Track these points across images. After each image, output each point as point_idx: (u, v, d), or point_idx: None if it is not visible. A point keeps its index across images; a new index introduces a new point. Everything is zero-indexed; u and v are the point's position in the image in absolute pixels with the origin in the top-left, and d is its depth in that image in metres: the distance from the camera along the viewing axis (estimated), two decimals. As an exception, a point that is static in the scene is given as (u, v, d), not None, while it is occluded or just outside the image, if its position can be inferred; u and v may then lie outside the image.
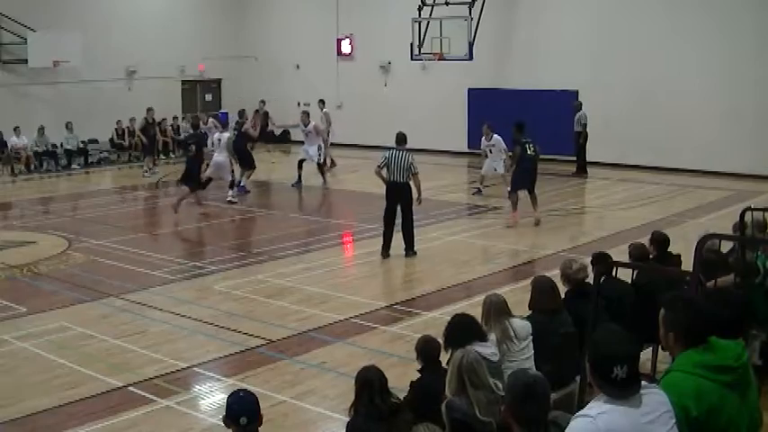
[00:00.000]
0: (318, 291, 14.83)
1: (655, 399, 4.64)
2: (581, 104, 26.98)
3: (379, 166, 16.94)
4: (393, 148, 16.92)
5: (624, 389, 4.52)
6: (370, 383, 6.68)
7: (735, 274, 9.44)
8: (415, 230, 17.33)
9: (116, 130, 31.97)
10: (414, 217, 17.24)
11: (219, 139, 22.78)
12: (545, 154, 25.62)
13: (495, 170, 23.36)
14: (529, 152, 20.01)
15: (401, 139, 17.16)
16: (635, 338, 4.72)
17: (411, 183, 16.86)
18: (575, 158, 27.47)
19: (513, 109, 27.76)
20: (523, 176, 19.95)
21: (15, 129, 29.61)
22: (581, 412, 4.61)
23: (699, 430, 4.91)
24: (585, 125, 26.82)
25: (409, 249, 17.14)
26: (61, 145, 31.19)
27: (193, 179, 21.62)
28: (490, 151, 23.40)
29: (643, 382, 4.66)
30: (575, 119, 27.15)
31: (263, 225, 20.64)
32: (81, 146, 31.46)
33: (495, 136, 23.14)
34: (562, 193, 24.17)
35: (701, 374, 5.02)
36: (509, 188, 20.65)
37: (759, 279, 9.50)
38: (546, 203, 21.48)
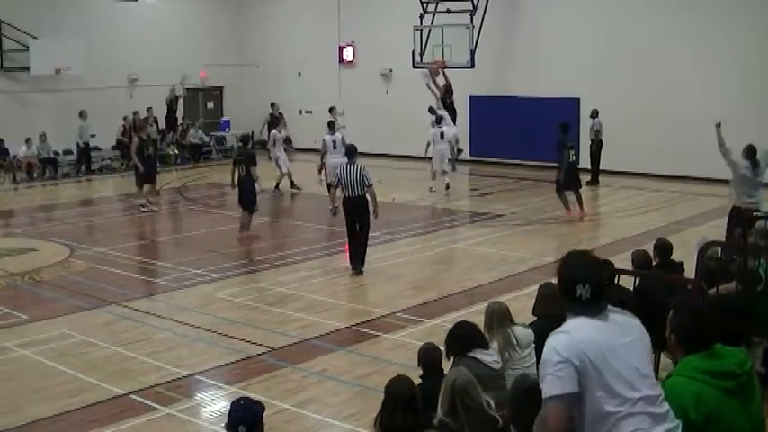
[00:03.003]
0: (320, 298, 14.82)
1: (633, 323, 4.82)
2: (596, 112, 26.65)
3: (333, 186, 16.66)
4: (345, 163, 16.45)
5: (588, 308, 4.69)
6: (396, 397, 6.58)
7: (736, 281, 9.42)
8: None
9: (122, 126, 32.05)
10: (369, 234, 16.66)
11: (334, 141, 23.09)
12: (546, 161, 25.80)
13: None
14: (571, 158, 21.10)
15: (351, 151, 16.59)
16: (603, 263, 4.84)
17: (368, 196, 16.28)
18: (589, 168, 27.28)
19: (514, 116, 27.85)
20: (571, 178, 21.10)
21: (27, 140, 29.62)
22: (556, 330, 4.74)
23: None
24: (598, 132, 26.56)
25: (357, 265, 16.39)
26: (62, 152, 31.23)
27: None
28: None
29: (618, 309, 4.86)
30: (589, 127, 26.94)
31: (264, 233, 20.60)
32: (91, 139, 31.23)
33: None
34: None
35: (702, 380, 5.08)
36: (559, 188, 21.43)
37: (761, 287, 9.49)
38: (548, 211, 21.50)
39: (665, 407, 4.72)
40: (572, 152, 21.24)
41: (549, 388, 4.53)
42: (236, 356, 11.85)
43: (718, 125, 16.27)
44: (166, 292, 15.34)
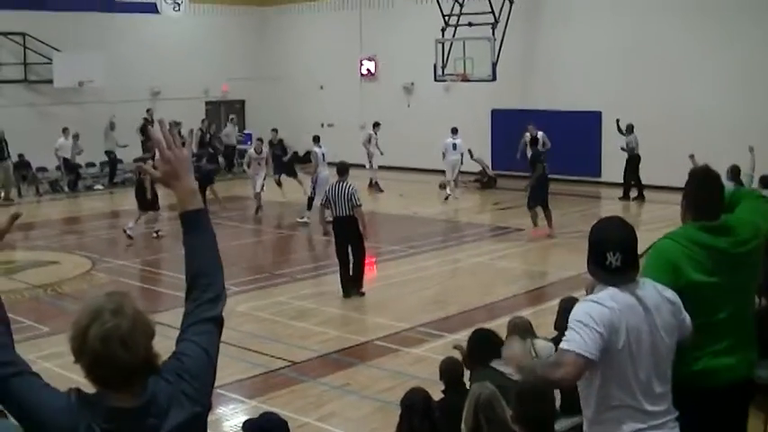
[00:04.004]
0: (341, 312, 14.82)
1: (664, 306, 4.68)
2: (632, 127, 26.10)
3: (322, 205, 16.16)
4: (334, 181, 15.96)
5: (618, 277, 4.59)
6: (411, 409, 6.61)
7: (759, 296, 9.34)
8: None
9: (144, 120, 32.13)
10: (365, 254, 15.90)
11: (323, 154, 23.31)
12: (569, 175, 25.79)
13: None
14: (545, 171, 21.10)
15: (342, 170, 15.84)
16: (632, 228, 4.78)
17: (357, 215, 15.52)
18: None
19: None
20: (544, 194, 20.83)
21: (65, 130, 29.67)
22: (589, 297, 4.66)
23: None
24: (633, 149, 26.08)
25: (353, 289, 15.64)
26: (85, 165, 31.36)
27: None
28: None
29: (653, 283, 4.76)
30: (626, 143, 26.46)
31: (284, 246, 20.64)
32: (118, 149, 31.43)
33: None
34: (585, 215, 24.05)
35: (689, 249, 5.15)
36: (531, 204, 21.06)
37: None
38: (568, 224, 21.42)
39: (664, 405, 4.66)
40: (545, 165, 21.22)
41: (574, 344, 4.40)
42: (257, 370, 11.87)
43: (692, 156, 16.57)
44: (188, 304, 15.32)
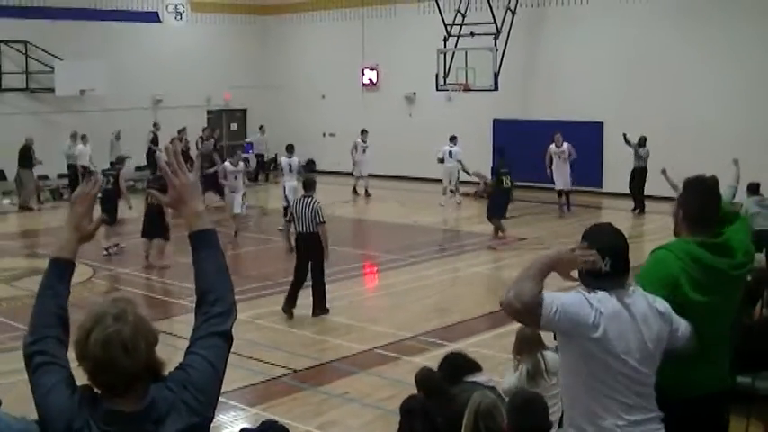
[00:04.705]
0: (342, 321, 14.80)
1: (652, 319, 4.65)
2: (644, 140, 25.70)
3: (287, 221, 15.81)
4: (299, 196, 15.55)
5: (606, 282, 4.60)
6: (410, 412, 6.66)
7: (763, 306, 9.35)
8: (327, 287, 15.35)
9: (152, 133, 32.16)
10: (324, 272, 15.25)
11: (290, 164, 23.31)
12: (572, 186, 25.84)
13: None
14: (505, 185, 21.36)
15: (308, 185, 15.29)
16: (623, 235, 4.78)
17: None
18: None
19: (538, 140, 27.76)
20: (501, 206, 21.52)
21: (83, 137, 29.31)
22: (583, 293, 4.66)
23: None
24: (644, 160, 25.75)
25: (317, 308, 15.09)
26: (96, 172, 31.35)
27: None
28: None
29: (643, 293, 4.73)
30: (639, 155, 26.15)
31: (283, 254, 20.59)
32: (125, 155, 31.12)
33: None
34: (584, 225, 23.88)
35: (687, 264, 5.03)
36: (490, 215, 21.63)
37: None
38: (568, 235, 21.39)
39: (649, 404, 4.65)
40: (506, 179, 21.22)
41: (549, 299, 4.51)
42: (258, 378, 11.85)
43: (664, 171, 16.73)
44: (189, 313, 15.23)
